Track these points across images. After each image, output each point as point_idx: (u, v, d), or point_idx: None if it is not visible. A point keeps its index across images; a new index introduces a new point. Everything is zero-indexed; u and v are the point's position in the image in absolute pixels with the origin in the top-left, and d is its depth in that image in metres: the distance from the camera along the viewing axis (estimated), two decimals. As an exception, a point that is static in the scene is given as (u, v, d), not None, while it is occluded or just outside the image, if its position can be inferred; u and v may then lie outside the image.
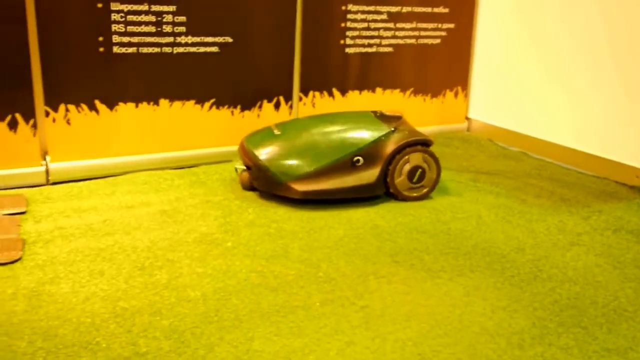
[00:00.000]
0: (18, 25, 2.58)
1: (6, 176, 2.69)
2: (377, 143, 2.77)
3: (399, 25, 3.58)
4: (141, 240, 2.28)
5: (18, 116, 2.67)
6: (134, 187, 2.79)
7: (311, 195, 2.70)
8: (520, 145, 3.78)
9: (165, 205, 2.61)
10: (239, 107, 3.18)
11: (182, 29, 2.92)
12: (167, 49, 2.91)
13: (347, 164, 2.72)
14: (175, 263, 2.13)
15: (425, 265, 2.21)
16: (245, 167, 2.81)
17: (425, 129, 3.85)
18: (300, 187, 2.69)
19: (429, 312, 1.90)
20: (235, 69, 3.12)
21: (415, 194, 2.85)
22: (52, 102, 2.73)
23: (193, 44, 2.97)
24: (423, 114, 3.85)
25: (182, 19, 2.90)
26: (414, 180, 2.82)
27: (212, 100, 3.10)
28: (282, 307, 1.89)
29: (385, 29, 3.54)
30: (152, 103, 2.95)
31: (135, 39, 2.83)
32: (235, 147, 3.21)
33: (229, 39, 3.06)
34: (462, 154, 3.68)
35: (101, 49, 2.77)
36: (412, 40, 3.67)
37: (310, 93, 3.39)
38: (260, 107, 3.24)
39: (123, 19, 2.78)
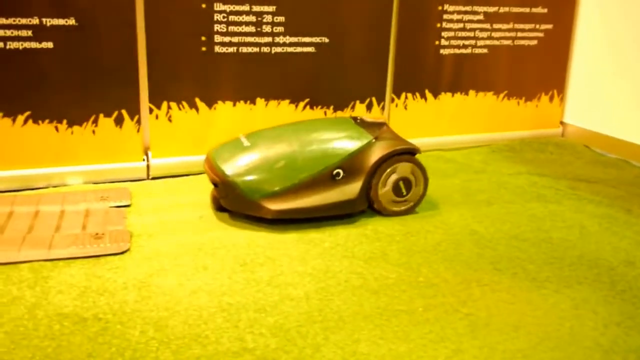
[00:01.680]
0: (128, 28, 2.68)
1: (111, 170, 2.80)
2: (360, 153, 2.47)
3: (495, 25, 3.49)
4: (239, 237, 2.32)
5: (124, 112, 2.78)
6: (229, 184, 2.84)
7: (286, 214, 2.39)
8: (619, 152, 3.60)
9: (261, 203, 2.64)
10: (332, 107, 3.19)
11: (281, 29, 2.95)
12: (265, 49, 2.95)
13: (325, 178, 2.41)
14: (275, 261, 2.14)
15: (529, 274, 2.13)
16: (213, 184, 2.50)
17: (518, 134, 3.74)
18: (274, 205, 2.37)
19: (537, 324, 1.83)
20: (330, 69, 3.12)
21: (400, 208, 2.58)
22: (156, 100, 2.82)
23: (291, 44, 2.99)
24: (516, 118, 3.73)
25: (281, 19, 2.94)
26: (400, 193, 2.54)
27: (306, 100, 3.12)
28: (385, 310, 1.87)
29: (481, 29, 3.46)
30: (249, 102, 3.00)
31: (235, 39, 2.88)
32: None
33: (325, 39, 3.06)
34: (557, 159, 3.54)
35: (203, 49, 2.84)
36: (508, 42, 3.57)
37: (403, 94, 3.35)
38: (352, 107, 3.24)
39: (225, 19, 2.84)
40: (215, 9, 2.81)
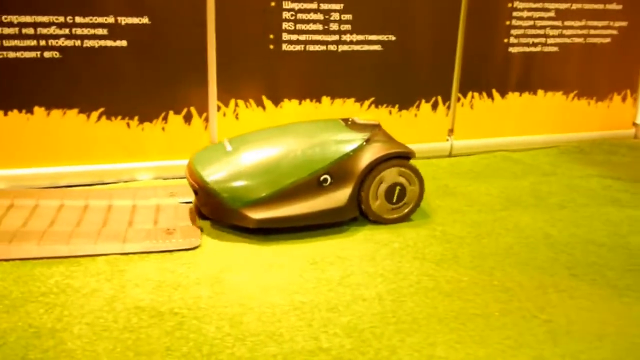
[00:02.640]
0: (199, 27, 2.72)
1: (179, 166, 2.84)
2: (348, 158, 2.33)
3: (566, 23, 3.38)
4: (307, 236, 2.31)
5: (193, 110, 2.82)
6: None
7: (269, 223, 2.25)
8: (697, 155, 3.43)
9: (327, 202, 2.63)
10: (396, 106, 3.15)
11: (348, 27, 2.93)
12: (332, 47, 2.94)
13: (312, 185, 2.28)
14: (345, 260, 2.13)
15: (608, 281, 2.05)
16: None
17: (588, 135, 3.62)
18: (256, 214, 2.23)
19: (621, 333, 1.75)
20: (395, 67, 3.09)
21: (394, 216, 2.43)
22: (224, 97, 2.85)
23: (357, 42, 2.97)
24: (586, 118, 3.60)
25: (349, 17, 2.92)
26: (394, 200, 2.39)
27: (371, 99, 3.09)
28: (460, 313, 1.83)
29: (552, 27, 3.35)
30: (314, 100, 3.00)
31: (303, 37, 2.88)
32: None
33: (392, 37, 3.03)
34: (631, 162, 3.40)
35: (271, 47, 2.85)
36: (580, 40, 3.45)
37: (469, 94, 3.28)
38: (418, 107, 3.19)
39: (293, 17, 2.84)
40: (284, 7, 2.81)
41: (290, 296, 1.90)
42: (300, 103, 2.98)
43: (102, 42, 2.63)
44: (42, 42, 2.56)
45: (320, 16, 2.88)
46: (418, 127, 3.21)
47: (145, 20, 2.65)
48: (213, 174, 2.28)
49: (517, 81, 3.37)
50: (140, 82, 2.73)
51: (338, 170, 2.31)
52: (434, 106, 3.22)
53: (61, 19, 2.55)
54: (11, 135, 2.62)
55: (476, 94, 3.30)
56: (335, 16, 2.90)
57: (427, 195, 2.73)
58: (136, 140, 2.78)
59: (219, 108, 2.86)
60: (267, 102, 2.93)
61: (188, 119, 2.83)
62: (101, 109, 2.70)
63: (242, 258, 2.13)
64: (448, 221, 2.48)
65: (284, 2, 2.81)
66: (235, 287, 1.94)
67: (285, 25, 2.85)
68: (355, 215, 2.39)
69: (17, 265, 2.03)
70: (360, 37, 2.98)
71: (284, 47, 2.87)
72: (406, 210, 2.45)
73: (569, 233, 2.41)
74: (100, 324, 1.73)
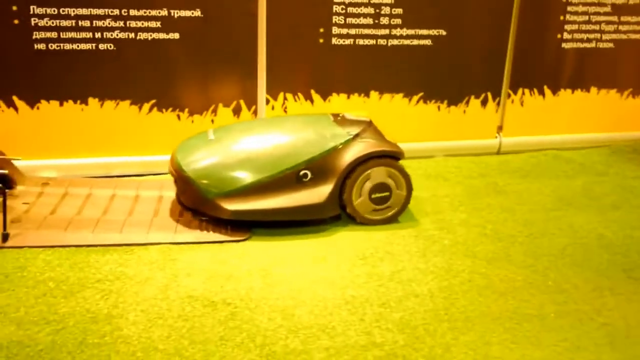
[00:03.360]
0: (251, 20, 2.72)
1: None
2: (331, 154, 2.24)
3: (623, 18, 3.28)
4: (356, 230, 2.30)
5: (242, 103, 2.83)
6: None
7: (243, 215, 2.18)
8: None
9: (375, 197, 2.62)
10: (445, 102, 3.11)
11: (398, 21, 2.91)
12: (382, 41, 2.92)
13: (291, 179, 2.20)
14: (395, 256, 2.11)
15: (668, 285, 1.99)
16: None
17: (642, 134, 3.51)
18: (230, 205, 2.16)
19: (684, 339, 1.70)
20: (445, 62, 3.04)
21: (378, 217, 2.34)
22: (273, 91, 2.86)
23: (407, 37, 2.94)
24: (640, 117, 3.50)
25: (399, 11, 2.89)
26: (376, 200, 2.30)
27: (420, 94, 3.06)
28: (514, 313, 1.79)
29: (608, 22, 3.26)
30: (362, 94, 2.98)
31: (353, 31, 2.87)
32: (437, 144, 3.15)
33: (443, 32, 2.99)
34: (688, 163, 3.29)
35: (321, 40, 2.85)
36: (637, 36, 3.34)
37: (520, 90, 3.22)
38: (467, 103, 3.14)
39: (344, 11, 2.83)
40: (335, 0, 2.80)
41: (341, 290, 1.89)
42: (348, 97, 2.97)
43: (155, 35, 2.66)
44: (98, 35, 2.60)
45: (370, 10, 2.86)
46: (466, 124, 3.16)
47: (197, 13, 2.67)
48: (191, 163, 2.24)
49: (569, 78, 3.29)
50: (191, 75, 2.76)
51: (319, 167, 2.24)
52: (484, 102, 3.17)
53: (116, 11, 2.59)
54: (66, 126, 2.68)
55: (527, 91, 3.23)
56: (385, 10, 2.88)
57: (476, 192, 2.70)
58: (186, 132, 2.80)
59: (267, 101, 2.87)
60: (316, 96, 2.92)
61: (237, 111, 2.85)
62: (152, 101, 2.74)
63: (291, 251, 2.13)
64: (499, 219, 2.43)
65: (335, -4, 2.81)
66: (286, 280, 1.94)
67: (335, 19, 2.83)
68: (336, 213, 2.31)
69: (73, 252, 2.08)
70: (411, 32, 2.94)
71: (334, 40, 2.86)
72: (390, 213, 2.35)
73: (624, 235, 2.34)
74: (155, 311, 1.76)
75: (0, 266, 1.97)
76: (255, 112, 2.86)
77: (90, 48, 2.61)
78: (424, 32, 2.96)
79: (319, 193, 2.23)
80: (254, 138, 2.32)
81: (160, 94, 2.74)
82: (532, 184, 2.82)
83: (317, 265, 2.05)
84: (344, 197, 2.28)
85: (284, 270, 2.00)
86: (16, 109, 2.61)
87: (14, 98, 2.60)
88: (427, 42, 2.99)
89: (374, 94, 3.00)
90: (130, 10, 2.60)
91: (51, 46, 2.57)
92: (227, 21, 2.72)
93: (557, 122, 3.32)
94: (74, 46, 2.59)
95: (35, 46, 2.55)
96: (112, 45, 2.63)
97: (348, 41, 2.88)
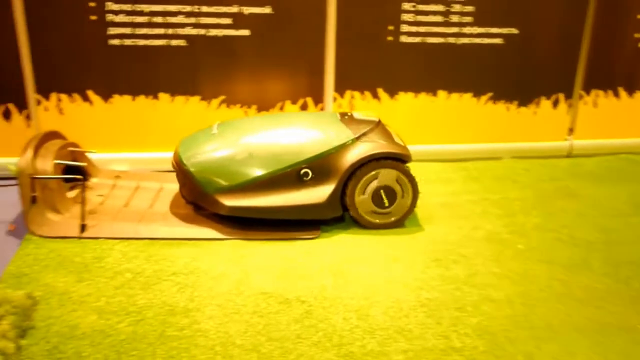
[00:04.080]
0: (320, 17, 2.71)
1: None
2: (333, 154, 2.17)
3: None
4: (428, 231, 2.26)
5: (309, 100, 2.83)
6: (407, 176, 2.80)
7: (241, 212, 2.15)
8: None
9: (443, 198, 2.57)
10: (515, 102, 3.03)
11: (469, 19, 2.85)
12: (451, 40, 2.87)
13: (291, 178, 2.16)
14: (469, 259, 2.07)
15: None
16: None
17: None
18: (228, 201, 2.14)
19: None
20: (516, 62, 2.97)
21: (381, 221, 2.24)
22: (340, 88, 2.84)
23: (478, 35, 2.88)
24: None
25: (470, 8, 2.83)
26: (380, 203, 2.21)
27: (489, 94, 2.99)
28: (598, 323, 1.72)
29: (688, 22, 3.12)
30: (430, 93, 2.93)
31: (422, 29, 2.83)
32: (505, 145, 3.08)
33: (515, 31, 2.91)
34: None
35: (390, 38, 2.81)
36: None
37: (593, 91, 3.11)
38: (537, 104, 3.06)
39: (414, 9, 2.79)
40: (406, -2, 2.78)
41: (415, 292, 1.86)
42: (415, 96, 2.93)
43: (226, 31, 2.68)
44: (170, 31, 2.64)
45: (441, 7, 2.81)
46: (536, 125, 3.08)
47: (268, 10, 2.68)
48: (191, 156, 2.22)
49: (646, 79, 3.17)
50: (260, 71, 2.77)
51: (320, 166, 2.18)
52: (555, 104, 3.08)
53: (188, 8, 2.62)
54: (137, 120, 2.73)
55: (601, 92, 3.12)
56: (456, 8, 2.82)
57: (548, 196, 2.63)
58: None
59: (334, 99, 2.86)
60: (383, 94, 2.89)
61: (304, 108, 2.84)
62: (221, 97, 2.77)
63: (362, 250, 2.11)
64: (574, 224, 2.35)
65: (396, -7, 2.77)
66: (359, 279, 1.92)
67: (405, 17, 2.80)
68: (337, 214, 2.24)
69: (147, 244, 2.11)
70: (482, 30, 2.88)
71: (402, 38, 2.83)
72: (393, 218, 2.27)
73: None
74: (230, 306, 1.77)
75: (79, 256, 2.03)
76: (322, 110, 2.86)
77: (163, 44, 2.65)
78: (495, 30, 2.89)
79: (320, 193, 2.18)
80: (257, 134, 2.28)
81: (229, 90, 2.76)
82: (607, 189, 2.72)
83: (389, 265, 2.02)
84: (346, 198, 2.21)
85: (356, 270, 1.98)
86: (90, 102, 2.68)
87: (89, 92, 2.67)
88: (499, 40, 2.91)
89: (442, 93, 2.95)
90: (202, 7, 2.63)
91: (125, 42, 2.62)
92: (296, 18, 2.71)
93: (633, 124, 3.20)
94: (147, 42, 2.64)
95: (110, 42, 2.61)
96: (184, 41, 2.66)
97: (417, 39, 2.84)
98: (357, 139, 2.22)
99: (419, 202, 2.47)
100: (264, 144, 2.22)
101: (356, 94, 2.87)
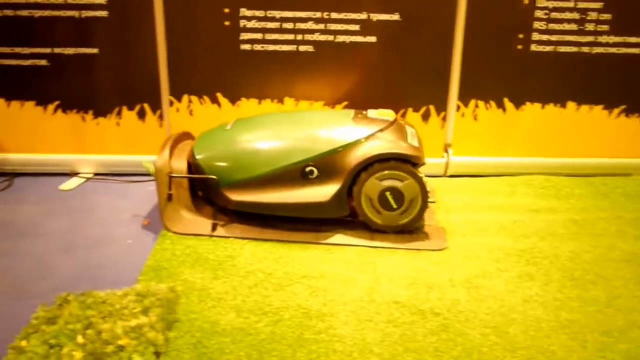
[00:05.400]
0: (447, 24, 2.67)
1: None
2: (339, 152, 2.14)
3: None
4: (560, 248, 2.17)
5: (432, 108, 2.79)
6: (531, 190, 2.70)
7: (246, 207, 2.21)
8: None
9: (573, 215, 2.46)
10: (651, 116, 2.86)
11: (606, 27, 2.71)
12: (585, 49, 2.74)
13: (296, 175, 2.17)
14: (608, 281, 1.96)
15: None
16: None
17: None
18: (235, 195, 2.20)
19: None
20: (654, 73, 2.80)
21: (387, 223, 2.19)
22: (465, 97, 2.78)
23: (614, 44, 2.74)
24: None
25: (608, 16, 2.70)
26: (388, 205, 2.14)
27: (622, 107, 2.83)
28: None
29: None
30: (558, 104, 2.82)
31: (554, 37, 2.72)
32: (637, 160, 2.91)
33: (655, 40, 2.75)
34: None
35: (519, 47, 2.73)
36: None
37: None
38: (673, 117, 2.87)
39: (546, 16, 2.69)
40: (538, 5, 2.67)
41: (555, 312, 1.79)
42: (542, 107, 2.82)
43: (353, 38, 2.70)
44: (299, 37, 2.69)
45: (575, 15, 2.69)
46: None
47: (396, 17, 2.67)
48: (202, 151, 2.29)
49: None
50: (383, 78, 2.76)
51: (325, 164, 2.17)
52: (695, 118, 2.87)
53: (318, 14, 2.66)
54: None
55: None
56: (592, 15, 2.70)
57: (690, 217, 2.45)
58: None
59: (458, 107, 2.81)
60: (509, 104, 2.81)
61: (426, 117, 2.81)
62: (344, 102, 2.79)
63: (494, 265, 2.06)
64: None
65: (537, 0, 2.67)
66: (492, 294, 1.87)
67: (536, 25, 2.70)
68: (342, 214, 2.22)
69: (275, 246, 2.16)
70: (619, 39, 2.73)
71: (533, 47, 2.73)
72: (406, 220, 2.20)
73: None
74: (364, 314, 1.77)
75: (212, 253, 2.10)
76: (444, 119, 2.81)
77: (291, 49, 2.70)
78: (634, 39, 2.73)
79: (324, 192, 2.18)
80: (267, 131, 2.31)
81: (352, 96, 2.78)
82: None
83: (523, 282, 1.95)
84: (352, 198, 2.20)
85: (489, 284, 1.93)
86: (219, 104, 2.77)
87: (218, 94, 2.76)
88: (636, 50, 2.76)
89: (570, 105, 2.82)
90: (332, 14, 2.65)
91: (255, 47, 2.69)
92: (424, 25, 2.69)
93: None
94: (276, 47, 2.70)
95: (241, 47, 2.69)
96: (311, 47, 2.70)
97: (548, 48, 2.74)
98: (366, 138, 2.20)
99: (548, 217, 2.39)
100: (273, 140, 2.27)
101: (480, 103, 2.80)
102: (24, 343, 1.58)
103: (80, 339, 1.57)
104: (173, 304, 1.78)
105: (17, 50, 2.67)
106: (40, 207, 2.48)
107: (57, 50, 2.68)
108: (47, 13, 2.62)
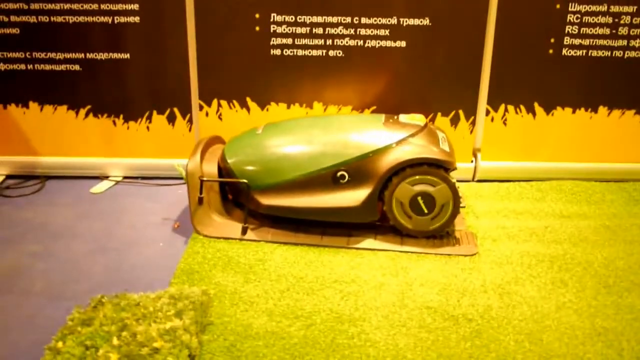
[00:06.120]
0: (479, 29, 2.65)
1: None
2: (370, 157, 2.16)
3: None
4: (593, 255, 2.14)
5: (461, 112, 2.78)
6: (562, 195, 2.67)
7: (276, 211, 2.22)
8: None
9: (605, 220, 2.42)
10: (685, 122, 2.81)
11: (638, 31, 2.68)
12: (617, 53, 2.71)
13: (327, 180, 2.18)
14: (644, 288, 1.94)
15: None
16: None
17: None
18: (265, 199, 2.22)
19: None
20: (689, 77, 2.76)
21: (421, 228, 2.18)
22: (494, 102, 2.77)
23: (648, 49, 2.71)
24: None
25: (640, 20, 2.67)
26: (417, 210, 2.14)
27: (655, 111, 2.80)
28: None
29: None
30: (590, 110, 2.79)
31: (586, 42, 2.69)
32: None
33: (690, 44, 2.71)
34: None
35: (550, 51, 2.71)
36: None
37: None
38: None
39: (578, 20, 2.66)
40: (570, 9, 2.65)
41: (590, 320, 1.77)
42: (573, 112, 2.79)
43: (383, 43, 2.70)
44: (329, 42, 2.69)
45: (609, 19, 2.66)
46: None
47: (426, 21, 2.66)
48: (234, 155, 2.31)
49: None
50: (413, 83, 2.76)
51: (357, 169, 2.19)
52: None
53: (348, 19, 2.66)
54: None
55: None
56: (626, 19, 2.66)
57: None
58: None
59: (487, 112, 2.79)
60: (539, 109, 2.78)
61: (455, 121, 2.80)
62: (373, 107, 2.79)
63: (526, 271, 2.04)
64: None
65: (570, 4, 2.64)
66: (526, 301, 1.86)
67: (568, 29, 2.68)
68: (373, 219, 2.22)
69: (305, 250, 2.16)
70: (652, 43, 2.70)
71: (564, 51, 2.71)
72: (436, 225, 2.21)
73: None
74: (396, 319, 1.76)
75: (243, 257, 2.11)
76: (473, 123, 2.80)
77: (321, 54, 2.71)
78: (668, 43, 2.70)
79: (355, 196, 2.19)
80: (298, 136, 2.33)
81: (380, 100, 2.77)
82: None
83: (557, 289, 1.93)
84: (384, 204, 2.20)
85: (521, 290, 1.92)
86: (248, 109, 2.79)
87: (247, 99, 2.78)
88: (670, 54, 2.72)
89: (602, 110, 2.79)
90: (362, 19, 2.66)
91: (285, 52, 2.71)
92: (454, 30, 2.67)
93: None
94: (306, 52, 2.71)
95: (272, 52, 2.71)
96: (340, 52, 2.71)
97: (580, 52, 2.71)
98: (397, 143, 2.21)
99: (579, 223, 2.36)
100: (304, 145, 2.28)
101: (510, 107, 2.78)
102: (60, 344, 1.61)
103: (115, 341, 1.59)
104: (206, 307, 1.79)
105: (51, 55, 2.73)
106: (72, 210, 2.52)
107: (89, 55, 2.73)
108: (80, 19, 2.66)
